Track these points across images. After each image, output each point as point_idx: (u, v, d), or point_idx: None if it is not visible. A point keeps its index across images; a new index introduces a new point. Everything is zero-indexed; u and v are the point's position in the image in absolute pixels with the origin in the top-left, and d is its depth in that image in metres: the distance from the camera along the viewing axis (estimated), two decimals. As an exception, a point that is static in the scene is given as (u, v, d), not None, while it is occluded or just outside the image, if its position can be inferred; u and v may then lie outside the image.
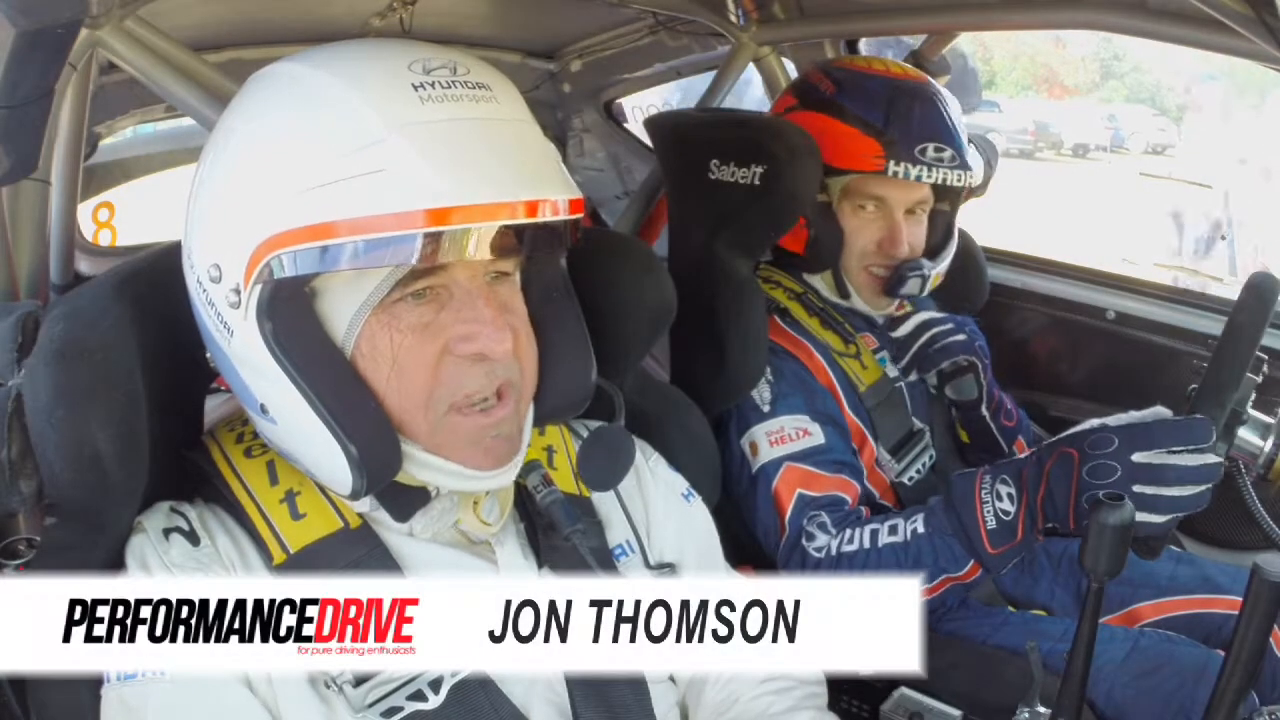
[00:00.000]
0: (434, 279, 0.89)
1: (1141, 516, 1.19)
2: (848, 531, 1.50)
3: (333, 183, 0.81)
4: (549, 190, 0.86)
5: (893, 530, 1.46)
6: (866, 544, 1.47)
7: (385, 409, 0.89)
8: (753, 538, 1.63)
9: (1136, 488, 1.19)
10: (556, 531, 1.00)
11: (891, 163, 1.61)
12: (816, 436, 1.58)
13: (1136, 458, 1.21)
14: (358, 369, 0.89)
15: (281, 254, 0.82)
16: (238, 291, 0.85)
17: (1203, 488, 1.19)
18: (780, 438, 1.58)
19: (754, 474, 1.59)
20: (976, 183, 1.71)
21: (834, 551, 1.50)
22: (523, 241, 0.86)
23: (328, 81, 0.86)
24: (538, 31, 2.58)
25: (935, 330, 1.76)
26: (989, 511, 1.36)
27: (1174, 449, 1.20)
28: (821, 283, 1.76)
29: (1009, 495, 1.35)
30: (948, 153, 1.63)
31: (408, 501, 0.96)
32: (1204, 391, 1.29)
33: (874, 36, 2.32)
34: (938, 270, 1.73)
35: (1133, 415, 1.29)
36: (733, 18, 2.25)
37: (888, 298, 1.73)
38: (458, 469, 0.92)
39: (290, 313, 0.85)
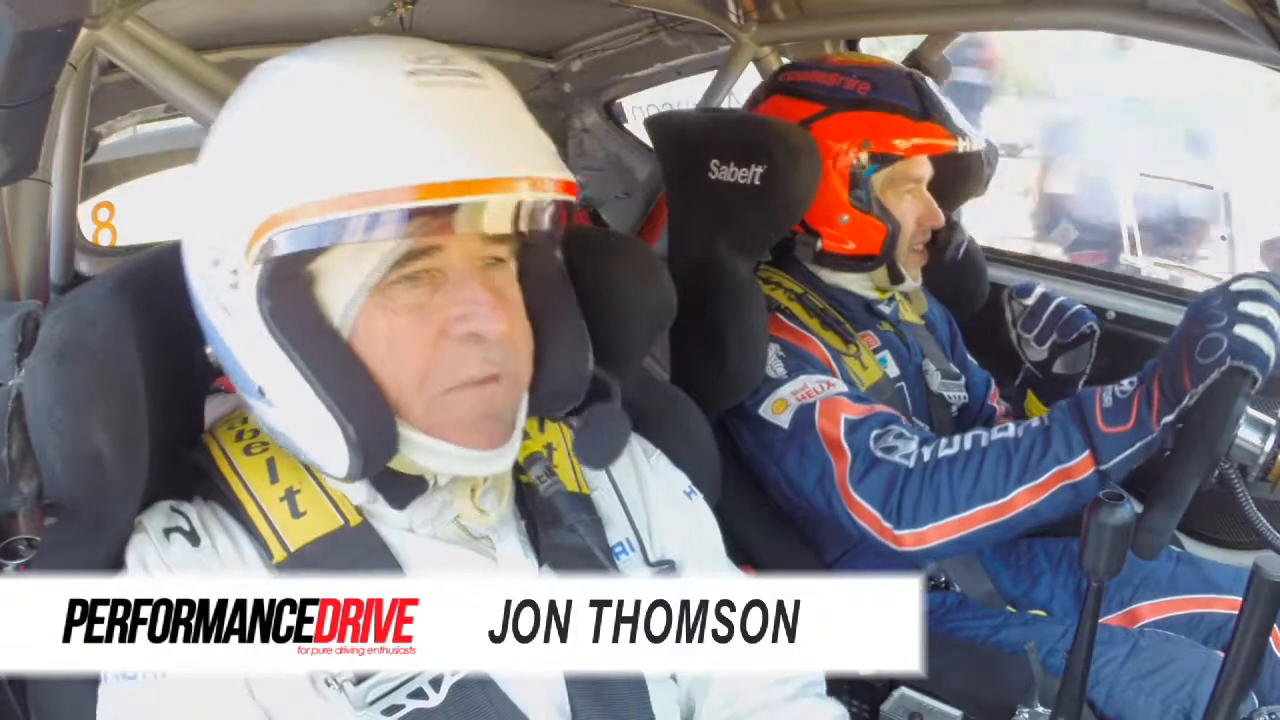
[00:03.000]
0: (429, 261, 0.89)
1: (1242, 329, 1.23)
2: (942, 440, 1.46)
3: (328, 161, 0.83)
4: (540, 168, 0.87)
5: (1003, 429, 1.43)
6: (968, 445, 1.43)
7: (382, 390, 0.89)
8: (757, 533, 1.63)
9: (1239, 321, 1.24)
10: (559, 524, 1.01)
11: (959, 139, 1.69)
12: (840, 385, 1.58)
13: (1236, 287, 1.27)
14: (355, 351, 0.89)
15: (278, 232, 0.83)
16: (236, 273, 0.86)
17: None
18: (806, 393, 1.57)
19: (790, 426, 1.56)
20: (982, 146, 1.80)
21: (927, 457, 1.44)
22: (517, 221, 0.87)
23: (322, 69, 0.88)
24: (538, 31, 2.58)
25: (1059, 300, 1.81)
26: (1107, 394, 1.35)
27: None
28: (857, 278, 1.78)
29: (1129, 382, 1.35)
30: (965, 125, 1.73)
31: (405, 490, 0.96)
32: None
33: (874, 36, 2.32)
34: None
35: None
36: (733, 18, 2.25)
37: (920, 267, 1.81)
38: (454, 449, 0.92)
39: (289, 292, 0.86)
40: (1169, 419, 1.29)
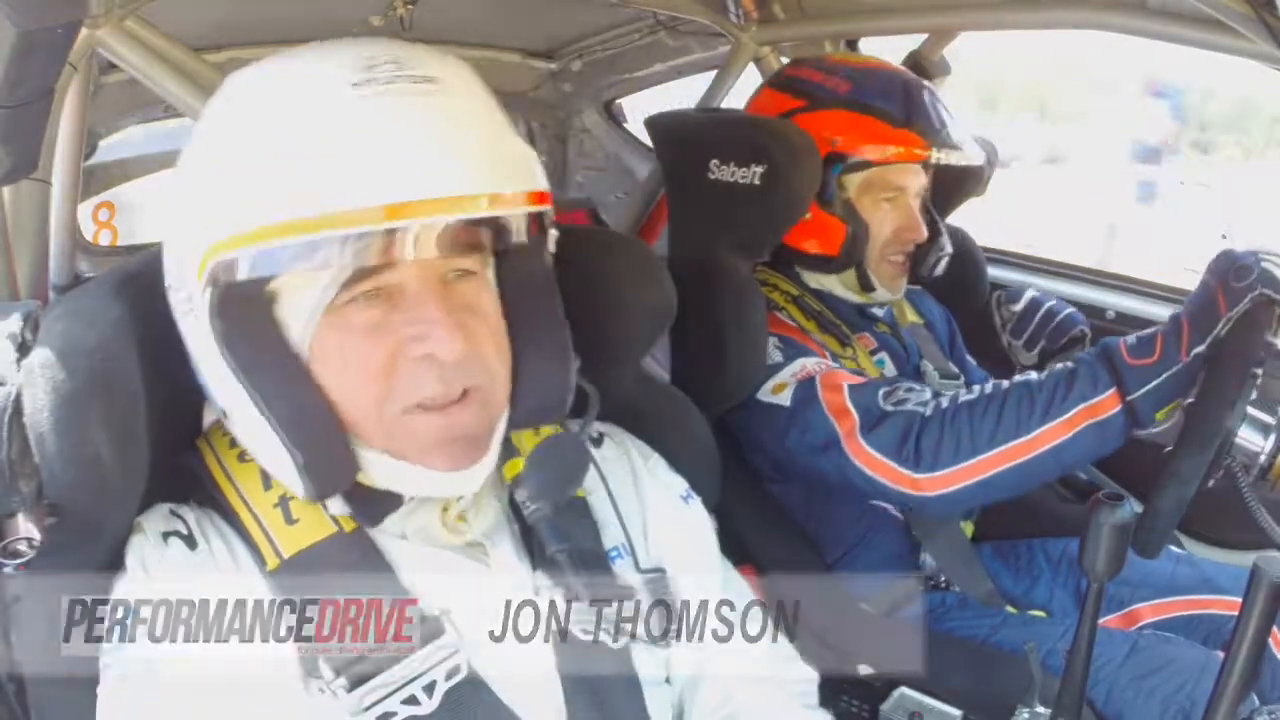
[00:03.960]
0: (383, 279, 0.87)
1: (1273, 265, 1.26)
2: (958, 390, 1.45)
3: (264, 188, 0.81)
4: (492, 183, 0.83)
5: (1025, 374, 1.41)
6: (989, 390, 1.40)
7: (339, 413, 0.88)
8: (756, 533, 1.63)
9: (1265, 260, 1.26)
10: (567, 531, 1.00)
11: (935, 149, 1.65)
12: (836, 366, 1.59)
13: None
14: (313, 373, 0.88)
15: (217, 260, 0.82)
16: (190, 298, 0.87)
17: None
18: (805, 372, 1.56)
19: (792, 404, 1.55)
20: (978, 160, 1.77)
21: (946, 404, 1.42)
22: (477, 238, 0.85)
23: (268, 87, 0.87)
24: (538, 31, 2.57)
25: (1049, 305, 1.82)
26: (1132, 336, 1.35)
27: None
28: (839, 282, 1.77)
29: (1154, 329, 1.35)
30: (958, 134, 1.69)
31: (378, 506, 0.95)
32: None
33: (874, 36, 2.31)
34: (949, 247, 1.81)
35: None
36: (733, 18, 2.25)
37: (903, 280, 1.78)
38: (416, 471, 0.90)
39: (241, 316, 0.85)
40: (1199, 349, 1.28)
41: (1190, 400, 1.30)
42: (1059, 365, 1.39)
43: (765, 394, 1.58)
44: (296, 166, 0.80)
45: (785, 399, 1.56)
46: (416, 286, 0.87)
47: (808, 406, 1.52)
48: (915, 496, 1.43)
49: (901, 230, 1.72)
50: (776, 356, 1.61)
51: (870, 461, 1.45)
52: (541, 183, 0.88)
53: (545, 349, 0.98)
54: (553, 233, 0.94)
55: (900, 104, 1.67)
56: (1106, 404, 1.32)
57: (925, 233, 1.73)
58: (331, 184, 0.79)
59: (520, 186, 0.85)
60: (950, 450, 1.39)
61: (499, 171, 0.85)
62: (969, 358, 2.02)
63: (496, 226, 0.85)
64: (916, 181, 1.73)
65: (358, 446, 0.90)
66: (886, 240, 1.72)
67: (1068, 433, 1.34)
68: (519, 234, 0.87)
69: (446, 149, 0.83)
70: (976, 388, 1.43)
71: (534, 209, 0.86)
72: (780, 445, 1.57)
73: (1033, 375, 1.40)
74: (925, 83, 1.74)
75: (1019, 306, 1.83)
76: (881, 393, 1.48)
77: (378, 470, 0.91)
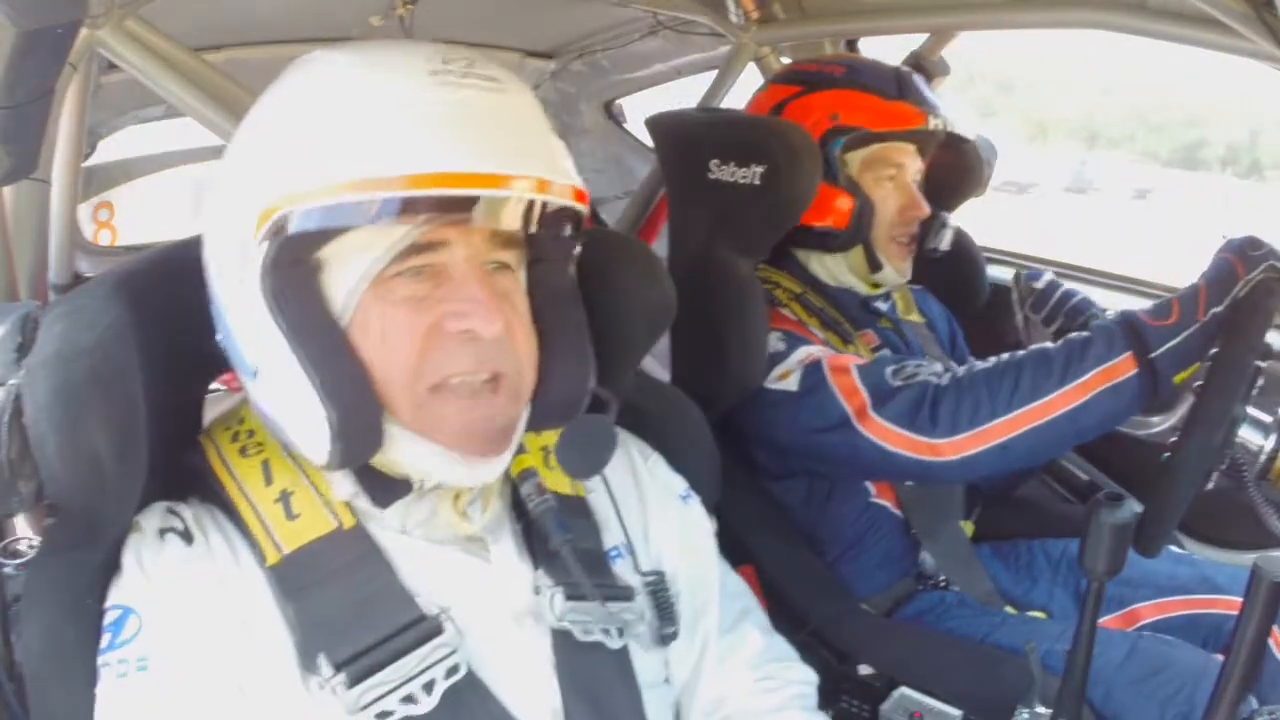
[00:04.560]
0: (433, 256, 0.90)
1: None
2: (974, 361, 1.47)
3: (335, 148, 0.84)
4: (547, 171, 0.87)
5: (1039, 345, 1.42)
6: (1005, 358, 1.42)
7: (376, 385, 0.89)
8: (756, 533, 1.63)
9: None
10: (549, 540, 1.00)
11: (931, 117, 1.71)
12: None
13: None
14: (352, 343, 0.89)
15: (287, 211, 0.84)
16: (244, 250, 0.88)
17: None
18: (810, 357, 1.58)
19: (800, 388, 1.56)
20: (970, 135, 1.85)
21: (961, 373, 1.43)
22: (527, 223, 0.87)
23: (348, 64, 0.90)
24: (538, 31, 2.58)
25: (1067, 287, 1.86)
26: (1149, 305, 1.36)
27: None
28: (846, 263, 1.78)
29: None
30: (948, 113, 1.75)
31: (389, 491, 0.95)
32: None
33: (874, 36, 2.32)
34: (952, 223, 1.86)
35: None
36: (733, 18, 2.25)
37: (909, 261, 1.80)
38: (441, 452, 0.91)
39: (291, 275, 0.87)
40: (1218, 309, 1.30)
41: (1196, 384, 1.31)
42: (1075, 334, 1.40)
43: (772, 381, 1.59)
44: (377, 130, 0.85)
45: (793, 384, 1.56)
46: (462, 267, 0.90)
47: (817, 389, 1.53)
48: (935, 463, 1.43)
49: (905, 208, 1.75)
50: (779, 346, 1.62)
51: (886, 434, 1.45)
52: (583, 183, 0.92)
53: (570, 352, 1.00)
54: (583, 237, 0.97)
55: (892, 82, 1.73)
56: (1123, 366, 1.33)
57: (927, 209, 1.76)
58: (410, 148, 0.83)
59: (569, 180, 0.89)
60: (969, 414, 1.40)
61: (555, 164, 0.90)
62: (970, 359, 2.02)
63: (543, 217, 0.88)
64: (913, 162, 1.76)
65: (387, 421, 0.91)
66: (892, 219, 1.75)
67: (1085, 395, 1.34)
68: (562, 225, 0.91)
69: (512, 134, 0.89)
70: (992, 358, 1.45)
71: (577, 205, 0.90)
72: (790, 430, 1.57)
73: (1049, 344, 1.41)
74: (911, 71, 1.80)
75: (1040, 284, 1.86)
76: (890, 370, 1.49)
77: (403, 448, 0.92)
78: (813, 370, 1.55)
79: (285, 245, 0.86)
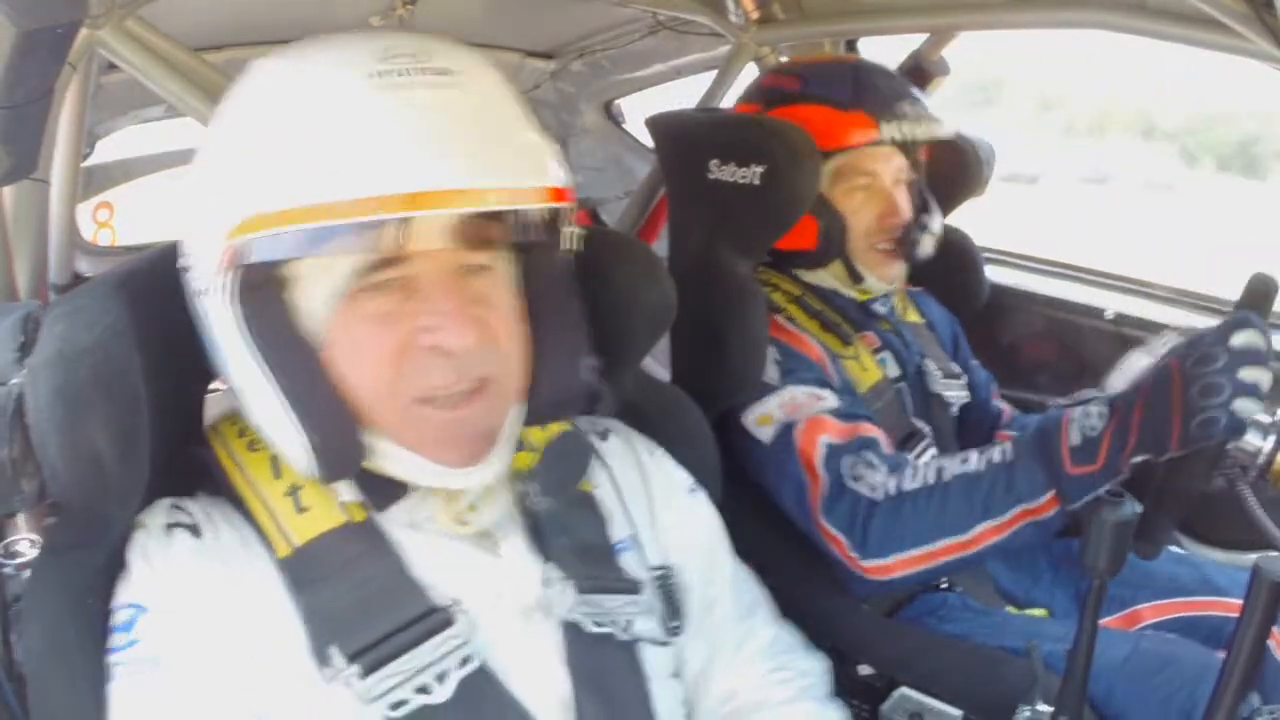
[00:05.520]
0: (399, 270, 0.88)
1: (1241, 404, 1.20)
2: (908, 469, 1.46)
3: (284, 172, 0.83)
4: (505, 177, 0.84)
5: (964, 461, 1.42)
6: (932, 479, 1.42)
7: (351, 400, 0.89)
8: (756, 533, 1.62)
9: (1240, 394, 1.20)
10: (576, 524, 1.02)
11: (883, 124, 1.64)
12: (830, 400, 1.58)
13: (1238, 344, 1.22)
14: (325, 359, 0.89)
15: (239, 242, 0.84)
16: (211, 280, 0.88)
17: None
18: (794, 406, 1.57)
19: (770, 442, 1.56)
20: (946, 134, 1.75)
21: (893, 490, 1.44)
22: (489, 232, 0.86)
23: (288, 75, 0.89)
24: (538, 31, 2.58)
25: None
26: (1075, 429, 1.32)
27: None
28: (830, 275, 1.77)
29: (1099, 415, 1.32)
30: (920, 105, 1.68)
31: (386, 493, 0.96)
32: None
33: (874, 36, 2.32)
34: (937, 226, 1.78)
35: (1128, 373, 1.38)
36: (733, 18, 2.25)
37: (897, 267, 1.76)
38: (424, 463, 0.92)
39: (260, 299, 0.87)
40: (1140, 460, 1.27)
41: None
42: (998, 453, 1.40)
43: (750, 420, 1.59)
44: (313, 154, 0.82)
45: (766, 435, 1.57)
46: (430, 278, 0.88)
47: (785, 452, 1.54)
48: (859, 576, 1.48)
49: (883, 216, 1.71)
50: (772, 373, 1.60)
51: (827, 534, 1.50)
52: (558, 177, 0.88)
53: (562, 344, 0.99)
54: (574, 230, 0.94)
55: (848, 88, 1.67)
56: (1044, 507, 1.35)
57: (906, 215, 1.71)
58: (345, 172, 0.81)
59: (535, 181, 0.86)
60: (895, 541, 1.43)
61: (513, 165, 0.86)
62: (972, 360, 2.02)
63: (510, 221, 0.86)
64: (889, 166, 1.71)
65: (369, 434, 0.91)
66: (869, 228, 1.71)
67: (1007, 531, 1.37)
68: (533, 229, 0.88)
69: (459, 142, 0.83)
70: (922, 472, 1.44)
71: (548, 205, 0.87)
72: (756, 473, 1.59)
73: (973, 462, 1.41)
74: (882, 66, 1.75)
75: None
76: (848, 462, 1.49)
77: (388, 459, 0.92)
78: (787, 430, 1.54)
79: (250, 271, 0.85)
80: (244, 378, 0.90)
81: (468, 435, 0.92)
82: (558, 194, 0.87)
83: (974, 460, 1.41)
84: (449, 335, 0.87)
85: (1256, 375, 1.22)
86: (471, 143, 0.84)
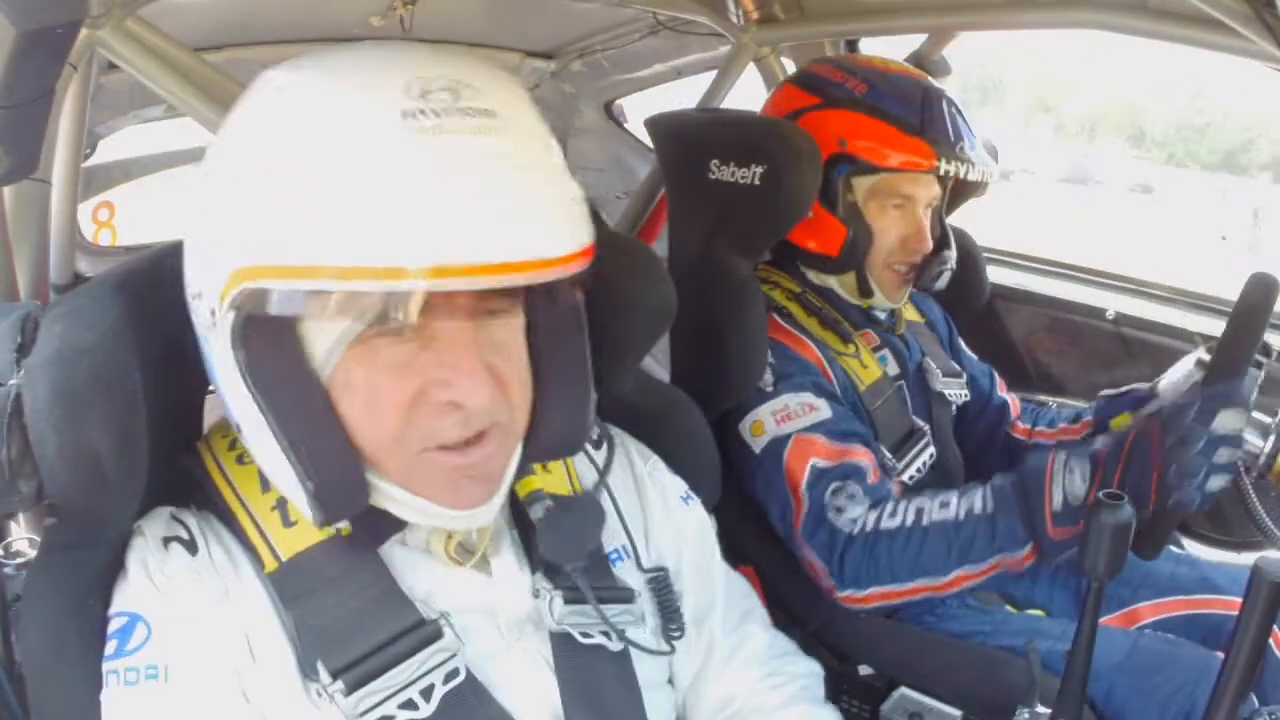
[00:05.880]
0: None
1: (1215, 482, 1.26)
2: (887, 505, 1.47)
3: (302, 221, 0.75)
4: (547, 246, 0.77)
5: (944, 506, 1.43)
6: (910, 520, 1.44)
7: (357, 443, 0.86)
8: (754, 536, 1.63)
9: (1215, 473, 1.25)
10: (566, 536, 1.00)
11: (943, 161, 1.62)
12: (823, 411, 1.57)
13: (1220, 429, 1.25)
14: (332, 398, 0.85)
15: (247, 286, 0.78)
16: (214, 313, 0.83)
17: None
18: (786, 415, 1.57)
19: (760, 454, 1.57)
20: (996, 178, 1.76)
21: (870, 527, 1.46)
22: (518, 292, 0.83)
23: (313, 102, 0.80)
24: (538, 31, 2.57)
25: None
26: (1058, 490, 1.33)
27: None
28: (837, 283, 1.76)
29: (1082, 476, 1.33)
30: (977, 149, 1.67)
31: (382, 528, 0.94)
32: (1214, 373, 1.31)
33: (874, 36, 2.31)
34: (954, 260, 1.79)
35: (1175, 378, 1.42)
36: (733, 18, 2.25)
37: (906, 290, 1.77)
38: (427, 506, 0.89)
39: (264, 340, 0.82)
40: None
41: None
42: (979, 502, 1.42)
43: (745, 428, 1.60)
44: (338, 206, 0.74)
45: (757, 445, 1.58)
46: (449, 330, 0.84)
47: (773, 466, 1.56)
48: (832, 601, 1.51)
49: (908, 240, 1.70)
50: (767, 378, 1.60)
51: (806, 557, 1.53)
52: (591, 232, 0.82)
53: (569, 391, 0.97)
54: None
55: (916, 111, 1.64)
56: (1023, 559, 1.38)
57: (930, 245, 1.71)
58: (373, 235, 0.73)
59: (569, 248, 0.79)
60: (871, 575, 1.46)
61: (547, 233, 0.78)
62: (968, 351, 2.02)
63: (538, 284, 0.80)
64: (927, 192, 1.71)
65: (372, 476, 0.88)
66: (892, 249, 1.71)
67: (982, 577, 1.41)
68: (559, 288, 0.84)
69: (495, 206, 0.76)
70: (901, 512, 1.46)
71: (581, 268, 0.80)
72: (747, 484, 1.61)
73: (953, 509, 1.43)
74: (946, 93, 1.70)
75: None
76: (832, 489, 1.51)
77: (389, 501, 0.90)
78: (778, 444, 1.56)
79: (252, 316, 0.80)
80: (243, 416, 0.86)
81: (473, 480, 0.90)
82: (586, 254, 0.81)
83: (954, 506, 1.43)
84: (464, 393, 0.83)
85: (1234, 456, 1.26)
86: (507, 208, 0.77)
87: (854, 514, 1.49)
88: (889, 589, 1.46)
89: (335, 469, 0.85)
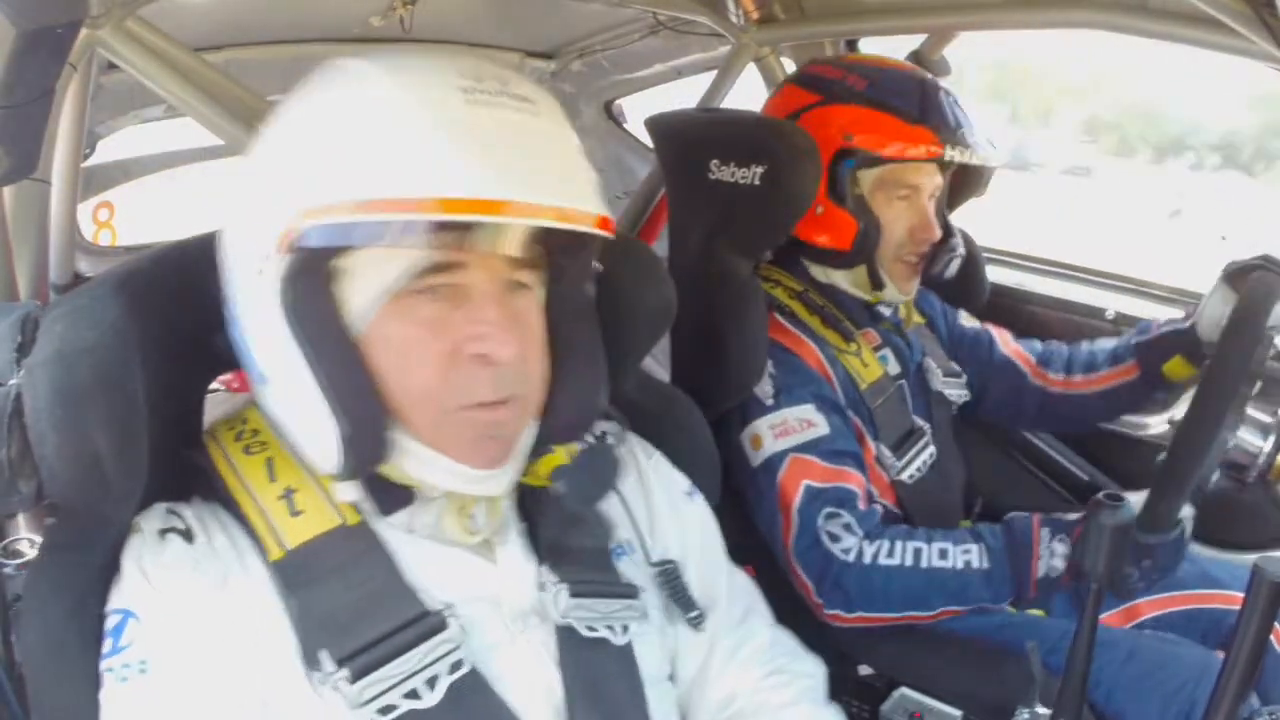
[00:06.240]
0: (452, 276, 0.89)
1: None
2: (884, 543, 1.52)
3: (363, 164, 0.84)
4: (579, 202, 0.87)
5: (943, 555, 1.50)
6: (909, 562, 1.50)
7: (387, 398, 0.90)
8: (755, 535, 1.63)
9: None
10: (563, 525, 1.02)
11: (948, 147, 1.63)
12: (821, 427, 1.59)
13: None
14: (366, 354, 0.90)
15: (307, 225, 0.84)
16: (265, 258, 0.88)
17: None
18: (784, 430, 1.59)
19: (756, 467, 1.59)
20: (1000, 164, 1.77)
21: (868, 560, 1.51)
22: (548, 250, 0.89)
23: (379, 76, 0.88)
24: (538, 31, 2.58)
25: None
26: (1043, 565, 1.46)
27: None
28: (849, 277, 1.77)
29: (1062, 555, 1.45)
30: (977, 134, 1.68)
31: (394, 498, 0.96)
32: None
33: (874, 36, 2.31)
34: (961, 248, 1.80)
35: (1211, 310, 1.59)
36: (733, 18, 2.25)
37: (916, 281, 1.78)
38: (451, 465, 0.92)
39: (308, 287, 0.87)
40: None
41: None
42: (975, 556, 1.50)
43: (744, 439, 1.62)
44: (408, 148, 0.83)
45: (755, 459, 1.60)
46: (482, 289, 0.90)
47: (767, 481, 1.59)
48: (818, 618, 1.55)
49: (916, 230, 1.71)
50: (767, 389, 1.61)
51: (795, 573, 1.57)
52: (607, 210, 0.91)
53: (582, 372, 1.01)
54: (596, 265, 0.99)
55: (915, 102, 1.66)
56: (1004, 604, 1.52)
57: (939, 233, 1.73)
58: (441, 170, 0.82)
59: (595, 208, 0.88)
60: (863, 601, 1.53)
61: (581, 191, 0.89)
62: (966, 321, 2.01)
63: (570, 242, 0.89)
64: (931, 182, 1.72)
65: (396, 432, 0.91)
66: (901, 240, 1.71)
67: (965, 612, 1.53)
68: (581, 254, 0.94)
69: (540, 161, 0.88)
70: (899, 551, 1.52)
71: (600, 232, 0.89)
72: (743, 490, 1.62)
73: (950, 559, 1.50)
74: (942, 84, 1.72)
75: None
76: (825, 513, 1.55)
77: (411, 459, 0.92)
78: (774, 460, 1.58)
79: (304, 257, 0.86)
80: (279, 364, 0.90)
81: (496, 439, 0.94)
82: (605, 222, 0.90)
83: (951, 556, 1.50)
84: (496, 345, 0.89)
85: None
86: (552, 164, 0.89)
87: (849, 543, 1.53)
88: (876, 615, 1.53)
89: (365, 416, 0.89)
